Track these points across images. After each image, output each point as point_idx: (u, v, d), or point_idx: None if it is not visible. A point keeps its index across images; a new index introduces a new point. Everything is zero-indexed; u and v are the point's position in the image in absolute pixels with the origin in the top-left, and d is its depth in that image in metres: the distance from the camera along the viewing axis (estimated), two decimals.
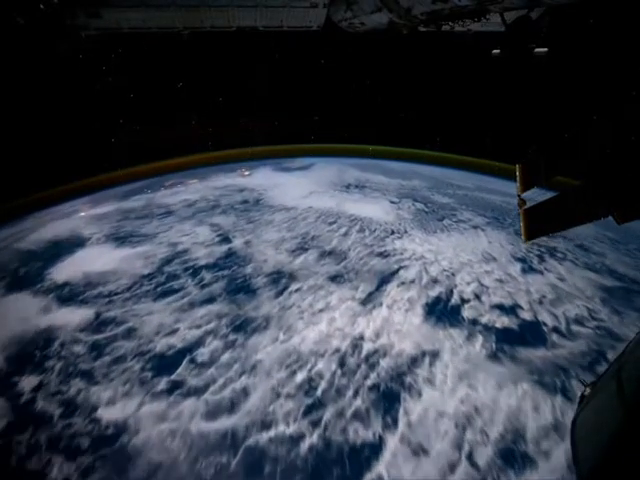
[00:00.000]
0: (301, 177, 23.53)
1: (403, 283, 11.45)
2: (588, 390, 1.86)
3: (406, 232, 15.24)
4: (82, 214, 18.36)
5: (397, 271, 12.15)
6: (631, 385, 1.49)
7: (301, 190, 20.36)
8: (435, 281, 11.60)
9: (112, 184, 21.85)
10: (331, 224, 15.91)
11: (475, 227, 16.11)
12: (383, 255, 13.22)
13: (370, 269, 12.21)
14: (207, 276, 11.91)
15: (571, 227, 2.72)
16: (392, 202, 18.92)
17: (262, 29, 4.30)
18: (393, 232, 15.23)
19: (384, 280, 11.60)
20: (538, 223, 3.03)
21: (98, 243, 14.96)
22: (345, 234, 14.96)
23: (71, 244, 14.93)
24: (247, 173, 24.75)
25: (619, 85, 12.85)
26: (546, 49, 3.51)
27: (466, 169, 25.21)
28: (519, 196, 3.23)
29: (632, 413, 1.38)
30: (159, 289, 11.31)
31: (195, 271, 12.26)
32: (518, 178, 3.28)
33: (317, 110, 26.41)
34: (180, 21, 3.81)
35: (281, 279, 11.65)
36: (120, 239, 15.02)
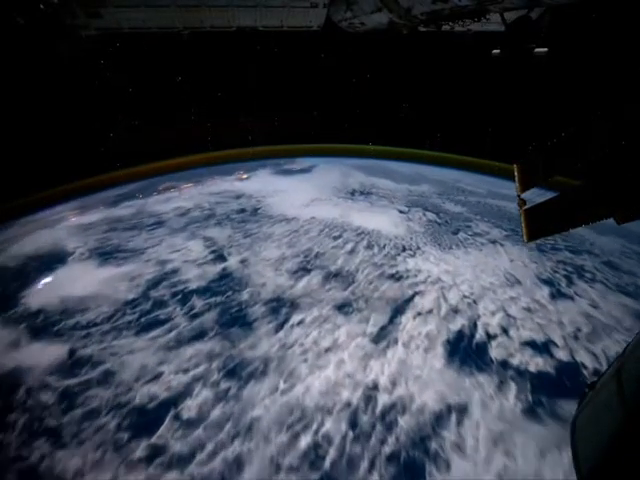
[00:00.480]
0: (302, 181, 22.15)
1: (419, 314, 10.11)
2: (588, 390, 1.75)
3: (419, 248, 13.85)
4: (68, 222, 17.07)
5: (412, 298, 10.80)
6: (631, 385, 1.44)
7: (302, 197, 18.96)
8: (456, 311, 10.26)
9: (108, 186, 20.78)
10: (336, 239, 14.52)
11: (493, 242, 14.73)
12: (395, 277, 11.85)
13: (381, 296, 10.85)
14: (198, 303, 10.57)
15: (573, 228, 2.61)
16: (401, 212, 17.51)
17: (262, 29, 4.24)
18: (405, 249, 13.84)
19: (398, 310, 10.25)
20: (539, 223, 2.94)
21: (81, 259, 13.64)
22: (352, 251, 13.57)
23: (52, 260, 13.64)
24: (245, 176, 23.42)
25: (619, 85, 12.45)
26: (546, 49, 3.53)
27: (466, 169, 24.25)
28: (519, 196, 3.14)
29: (632, 413, 1.34)
30: (143, 319, 9.99)
31: (185, 296, 10.93)
32: (516, 178, 3.20)
33: (317, 110, 25.64)
34: (180, 21, 3.79)
35: (281, 308, 10.30)
36: (105, 255, 13.70)
